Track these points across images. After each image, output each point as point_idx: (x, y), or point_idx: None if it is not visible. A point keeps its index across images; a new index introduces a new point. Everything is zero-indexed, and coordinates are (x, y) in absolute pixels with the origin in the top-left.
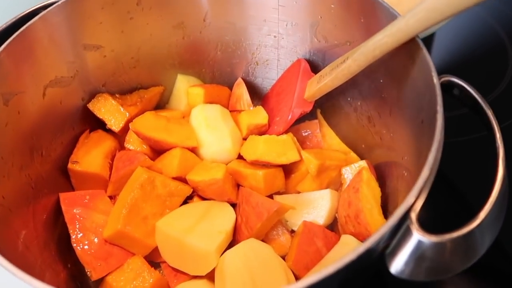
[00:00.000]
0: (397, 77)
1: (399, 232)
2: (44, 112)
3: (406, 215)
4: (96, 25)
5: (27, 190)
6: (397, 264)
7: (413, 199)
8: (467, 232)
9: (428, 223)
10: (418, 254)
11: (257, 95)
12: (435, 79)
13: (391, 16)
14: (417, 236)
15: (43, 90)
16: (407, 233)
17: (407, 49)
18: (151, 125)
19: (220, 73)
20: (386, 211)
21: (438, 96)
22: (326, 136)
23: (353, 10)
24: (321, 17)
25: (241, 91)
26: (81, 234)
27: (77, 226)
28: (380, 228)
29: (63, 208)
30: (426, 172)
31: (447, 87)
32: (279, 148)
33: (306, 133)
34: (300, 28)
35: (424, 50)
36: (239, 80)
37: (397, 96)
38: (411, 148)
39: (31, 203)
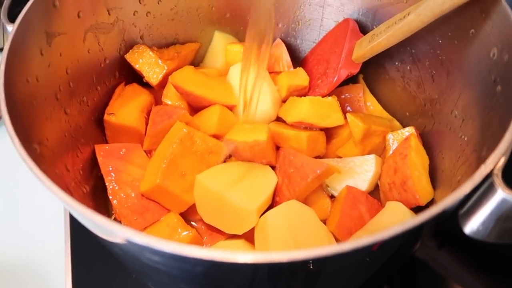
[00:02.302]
0: (461, 35)
1: (478, 191)
2: (84, 58)
3: (489, 174)
4: None
5: (66, 137)
6: (473, 224)
7: (498, 157)
8: None
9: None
10: (500, 213)
11: (294, 58)
12: None
13: None
14: (501, 194)
15: (84, 34)
16: (490, 191)
17: (480, 3)
18: (191, 79)
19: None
20: (432, 180)
21: None
22: (367, 103)
23: None
24: None
25: (281, 52)
26: (117, 187)
27: (113, 178)
28: (462, 186)
29: (99, 159)
30: None
31: None
32: (324, 110)
33: (348, 97)
34: None
35: (504, 2)
36: (278, 40)
37: (459, 57)
38: (474, 110)
39: (70, 150)
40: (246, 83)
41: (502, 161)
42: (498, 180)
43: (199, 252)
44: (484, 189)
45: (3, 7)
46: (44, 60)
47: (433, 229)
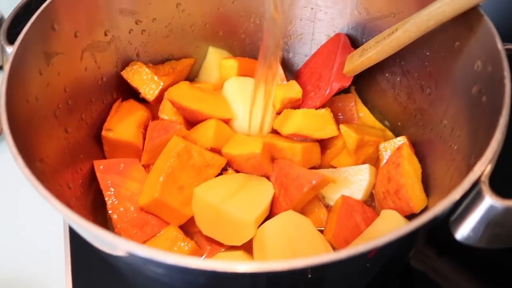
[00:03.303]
0: (447, 47)
1: (467, 198)
2: (81, 76)
3: (476, 182)
4: None
5: (65, 154)
6: (464, 230)
7: (485, 165)
8: None
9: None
10: (489, 219)
11: (287, 70)
12: (500, 45)
13: None
14: (489, 201)
15: (81, 53)
16: (478, 197)
17: (464, 18)
18: (186, 94)
19: (251, 46)
20: (425, 188)
21: (504, 62)
22: (359, 113)
23: None
24: None
25: None
26: (116, 201)
27: (113, 193)
28: (452, 193)
29: (98, 175)
30: (498, 136)
31: (508, 57)
32: (318, 122)
33: (341, 107)
34: (340, 0)
35: (486, 17)
36: None
37: (446, 68)
38: (461, 120)
39: (70, 166)
40: (255, 98)
41: (489, 168)
42: (485, 187)
43: (200, 263)
44: (472, 196)
45: (1, 29)
46: (43, 79)
47: (427, 236)
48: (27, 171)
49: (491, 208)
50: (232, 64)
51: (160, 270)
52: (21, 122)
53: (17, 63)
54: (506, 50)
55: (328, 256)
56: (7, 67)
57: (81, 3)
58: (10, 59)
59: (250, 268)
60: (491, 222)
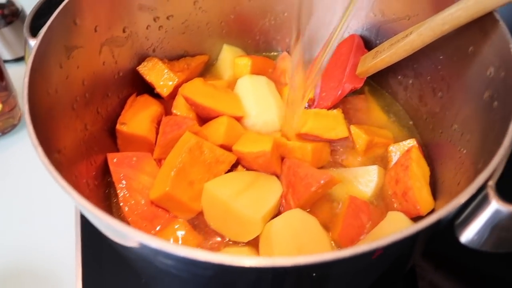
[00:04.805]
0: (461, 52)
1: (473, 202)
2: (99, 69)
3: (483, 186)
4: None
5: (81, 145)
6: (469, 234)
7: (492, 170)
8: None
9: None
10: (494, 223)
11: None
12: None
13: None
14: (495, 205)
15: (100, 47)
16: (484, 202)
17: (479, 22)
18: (200, 91)
19: (266, 45)
20: (433, 191)
21: None
22: (372, 113)
23: None
24: None
25: (286, 65)
26: (128, 194)
27: (124, 185)
28: (458, 196)
29: (111, 168)
30: (507, 142)
31: None
32: (329, 122)
33: (352, 108)
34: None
35: (501, 23)
36: (284, 53)
37: (459, 73)
38: (472, 124)
39: (84, 158)
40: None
41: (497, 173)
42: (492, 192)
43: (209, 256)
44: (478, 200)
45: (25, 23)
46: (63, 72)
47: (431, 239)
48: (46, 161)
49: (496, 213)
50: (245, 62)
51: (169, 261)
52: (42, 113)
53: (40, 56)
54: None
55: (332, 254)
56: (30, 60)
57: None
58: (33, 52)
59: (257, 263)
60: (496, 226)
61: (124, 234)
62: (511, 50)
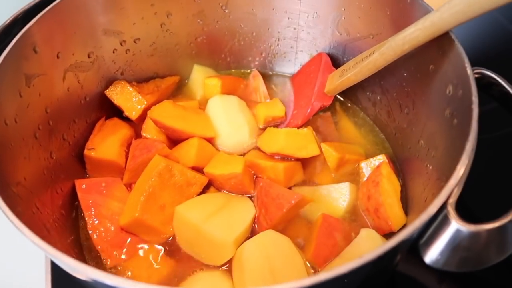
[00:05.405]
0: (423, 70)
1: (435, 222)
2: (63, 96)
3: (443, 205)
4: (118, 10)
5: (45, 174)
6: (432, 254)
7: (450, 189)
8: (502, 225)
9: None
10: (455, 243)
11: (270, 88)
12: (469, 70)
13: (421, 8)
14: (455, 225)
15: (64, 73)
16: (445, 222)
17: (438, 42)
18: (169, 113)
19: (236, 64)
20: (405, 206)
21: (473, 87)
22: (343, 129)
23: (379, 1)
24: (344, 9)
25: (258, 83)
26: (97, 221)
27: (93, 213)
28: (419, 217)
29: (79, 194)
30: (465, 160)
31: (477, 80)
32: (300, 141)
33: (323, 125)
34: (321, 20)
35: (457, 42)
36: (255, 72)
37: (422, 90)
38: (436, 141)
39: (49, 187)
40: None
41: (455, 192)
42: (452, 211)
43: None
44: (440, 220)
45: None
46: (23, 101)
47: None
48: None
49: (457, 232)
50: (215, 83)
51: None
52: None
53: None
54: (476, 73)
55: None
56: None
57: (63, 25)
58: None
59: None
60: (458, 246)
61: (75, 268)
62: (467, 69)
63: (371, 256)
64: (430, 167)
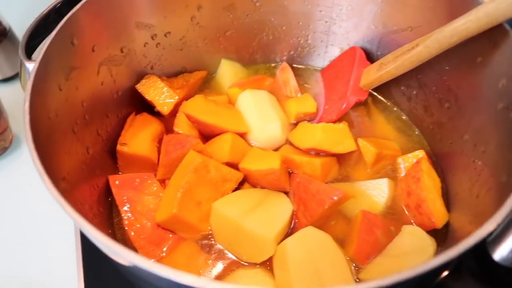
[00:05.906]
0: (469, 63)
1: (505, 219)
2: (98, 90)
3: None
4: (150, 3)
5: (83, 170)
6: (502, 251)
7: None
8: None
9: None
10: None
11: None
12: None
13: (469, 0)
14: None
15: (98, 67)
16: None
17: (488, 33)
18: (201, 108)
19: (264, 58)
20: (445, 202)
21: None
22: (377, 125)
23: None
24: (381, 1)
25: (288, 77)
26: (133, 217)
27: (129, 209)
28: (494, 216)
29: (114, 190)
30: None
31: None
32: (336, 136)
33: (355, 121)
34: (355, 13)
35: (511, 33)
36: (285, 64)
37: (467, 83)
38: (486, 135)
39: (87, 183)
40: None
41: None
42: None
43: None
44: (510, 217)
45: (20, 44)
46: (62, 95)
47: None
48: (55, 191)
49: None
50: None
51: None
52: (43, 139)
53: (39, 79)
54: None
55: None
56: (29, 84)
57: (100, 17)
58: (32, 75)
59: None
60: None
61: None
62: None
63: (445, 257)
64: (480, 163)
